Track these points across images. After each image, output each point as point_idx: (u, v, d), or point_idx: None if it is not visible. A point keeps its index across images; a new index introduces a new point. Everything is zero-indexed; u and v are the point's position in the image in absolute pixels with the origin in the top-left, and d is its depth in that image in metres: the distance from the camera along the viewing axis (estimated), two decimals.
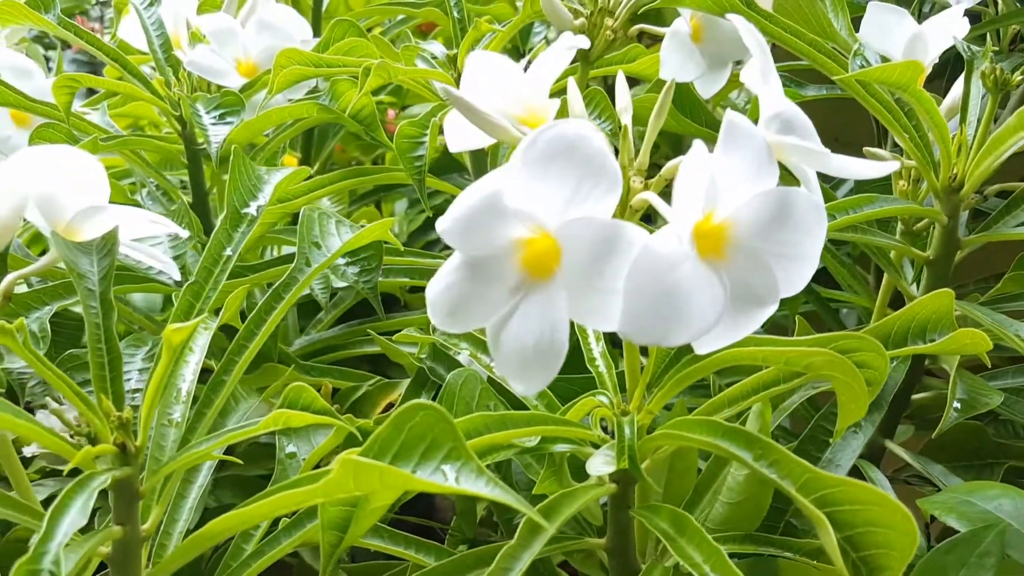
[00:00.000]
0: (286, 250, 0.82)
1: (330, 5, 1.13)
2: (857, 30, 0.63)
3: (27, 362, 0.40)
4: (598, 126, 0.63)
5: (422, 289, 0.98)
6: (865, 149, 0.56)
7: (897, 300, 0.68)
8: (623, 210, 0.40)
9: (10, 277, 0.44)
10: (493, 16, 1.02)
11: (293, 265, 0.49)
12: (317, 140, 1.03)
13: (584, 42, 0.46)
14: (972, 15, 0.67)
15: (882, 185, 0.64)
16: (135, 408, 0.43)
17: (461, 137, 0.49)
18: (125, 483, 0.40)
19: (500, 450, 0.45)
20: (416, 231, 1.12)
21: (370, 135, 0.68)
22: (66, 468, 0.38)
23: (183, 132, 0.74)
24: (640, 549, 0.51)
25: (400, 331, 0.65)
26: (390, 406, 0.72)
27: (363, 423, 0.50)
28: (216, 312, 0.50)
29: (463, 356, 0.64)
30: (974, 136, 0.55)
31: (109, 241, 0.45)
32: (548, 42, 1.13)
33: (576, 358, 0.56)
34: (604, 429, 0.48)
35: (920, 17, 0.72)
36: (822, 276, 0.68)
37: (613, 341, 0.48)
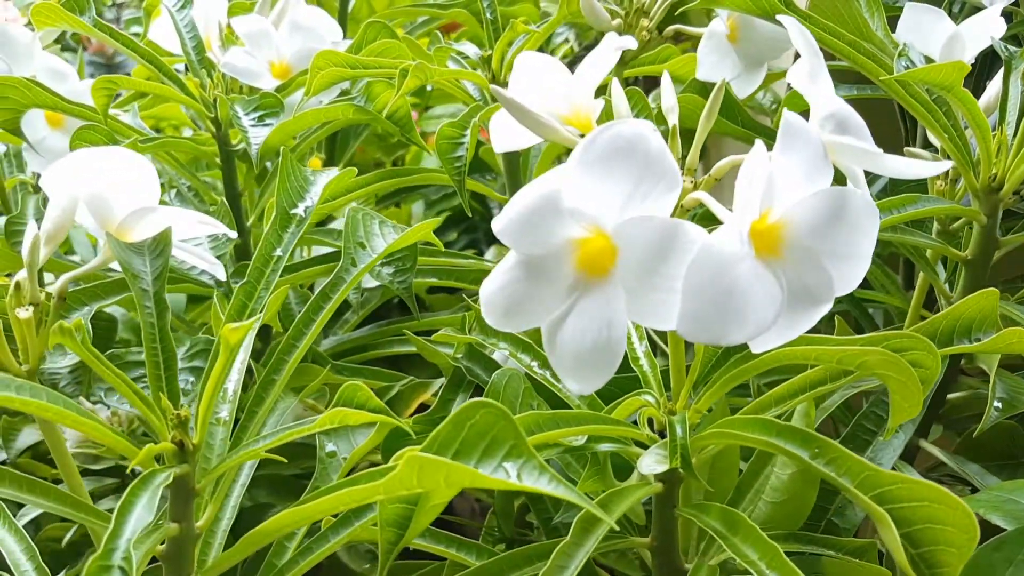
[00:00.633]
0: (316, 251, 0.82)
1: (354, 7, 1.14)
2: (892, 30, 0.63)
3: (86, 361, 0.41)
4: None
5: (443, 290, 0.98)
6: (906, 149, 0.56)
7: (928, 300, 0.68)
8: (675, 210, 0.41)
9: (65, 278, 0.45)
10: (516, 17, 1.03)
11: (339, 265, 0.49)
12: (340, 142, 1.04)
13: (631, 43, 0.46)
14: (1004, 15, 0.68)
15: (917, 185, 0.64)
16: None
17: (507, 137, 0.49)
18: (182, 481, 0.40)
19: (548, 449, 0.45)
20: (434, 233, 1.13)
21: (405, 136, 0.68)
22: (131, 465, 0.39)
23: (217, 133, 0.75)
24: (683, 548, 0.51)
25: (426, 331, 0.66)
26: (422, 406, 0.73)
27: (405, 422, 0.50)
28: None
29: (498, 354, 0.64)
30: (1014, 136, 0.55)
31: (161, 242, 0.46)
32: (568, 43, 1.13)
33: None
34: (650, 428, 0.48)
35: (950, 17, 0.73)
36: None
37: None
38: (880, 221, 0.53)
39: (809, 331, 0.38)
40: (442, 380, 0.71)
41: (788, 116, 0.36)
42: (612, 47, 0.47)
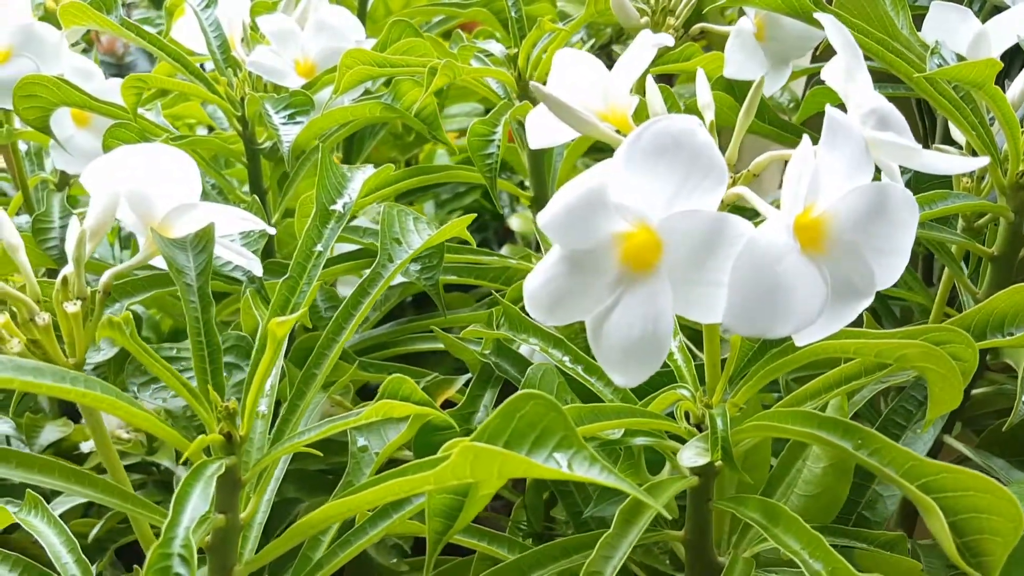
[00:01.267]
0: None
1: (371, 6, 1.14)
2: (917, 28, 0.63)
3: (134, 354, 0.41)
4: None
5: (458, 287, 0.98)
6: (934, 146, 0.57)
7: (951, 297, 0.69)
8: None
9: (109, 273, 0.45)
10: (534, 16, 1.03)
11: (376, 261, 0.50)
12: (357, 141, 1.04)
13: (668, 40, 0.47)
14: None
15: (942, 182, 0.64)
16: None
17: (544, 134, 0.50)
18: (230, 472, 0.41)
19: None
20: None
21: (431, 134, 0.68)
22: (184, 456, 0.39)
23: (244, 132, 0.75)
24: (715, 541, 0.51)
25: (445, 328, 0.66)
26: (446, 403, 0.73)
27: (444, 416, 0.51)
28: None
29: (524, 348, 0.65)
30: None
31: (204, 237, 0.46)
32: (583, 43, 1.14)
33: None
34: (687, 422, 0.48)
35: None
36: None
37: None
38: None
39: None
40: (466, 376, 0.72)
41: (832, 113, 0.37)
42: (648, 44, 0.47)
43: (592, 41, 1.19)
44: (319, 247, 0.47)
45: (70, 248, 0.46)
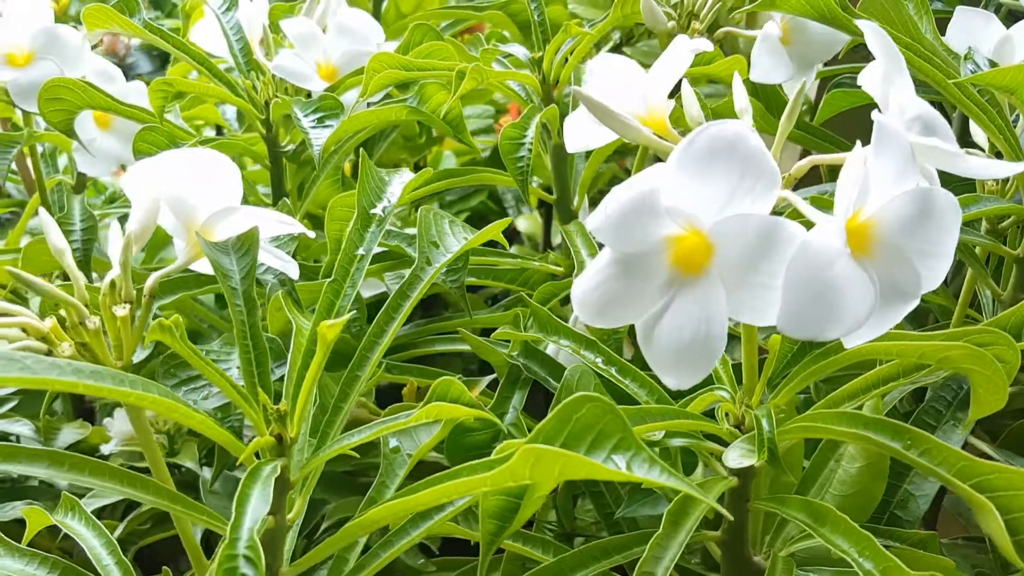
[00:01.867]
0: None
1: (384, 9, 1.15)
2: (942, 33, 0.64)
3: (185, 357, 0.42)
4: None
5: (468, 288, 0.99)
6: (965, 149, 0.57)
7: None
8: None
9: (155, 276, 0.46)
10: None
11: (416, 264, 0.50)
12: (370, 143, 1.05)
13: (707, 45, 0.47)
14: None
15: (965, 185, 0.65)
16: None
17: (581, 137, 0.51)
18: (280, 474, 0.41)
19: None
20: None
21: (458, 137, 0.69)
22: (239, 459, 0.40)
23: (268, 135, 0.76)
24: (752, 541, 0.52)
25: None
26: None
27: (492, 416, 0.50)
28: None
29: (551, 349, 0.65)
30: None
31: (247, 241, 0.46)
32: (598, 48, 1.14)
33: None
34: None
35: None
36: None
37: None
38: None
39: None
40: (489, 378, 0.73)
41: (881, 119, 0.38)
42: (687, 49, 0.48)
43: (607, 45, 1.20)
44: (361, 251, 0.48)
45: (114, 252, 0.47)
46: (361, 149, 0.52)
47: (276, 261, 0.52)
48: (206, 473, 0.77)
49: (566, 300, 0.74)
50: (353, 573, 0.47)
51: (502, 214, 1.27)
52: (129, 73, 1.53)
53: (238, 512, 0.35)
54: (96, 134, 0.80)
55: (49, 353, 0.41)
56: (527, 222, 1.28)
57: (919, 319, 0.80)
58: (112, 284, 0.44)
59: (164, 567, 0.56)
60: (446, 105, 0.64)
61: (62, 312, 0.43)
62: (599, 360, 0.56)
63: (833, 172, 0.63)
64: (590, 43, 0.68)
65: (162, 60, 1.80)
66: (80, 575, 0.52)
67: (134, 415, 0.45)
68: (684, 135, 0.45)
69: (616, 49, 1.24)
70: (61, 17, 0.86)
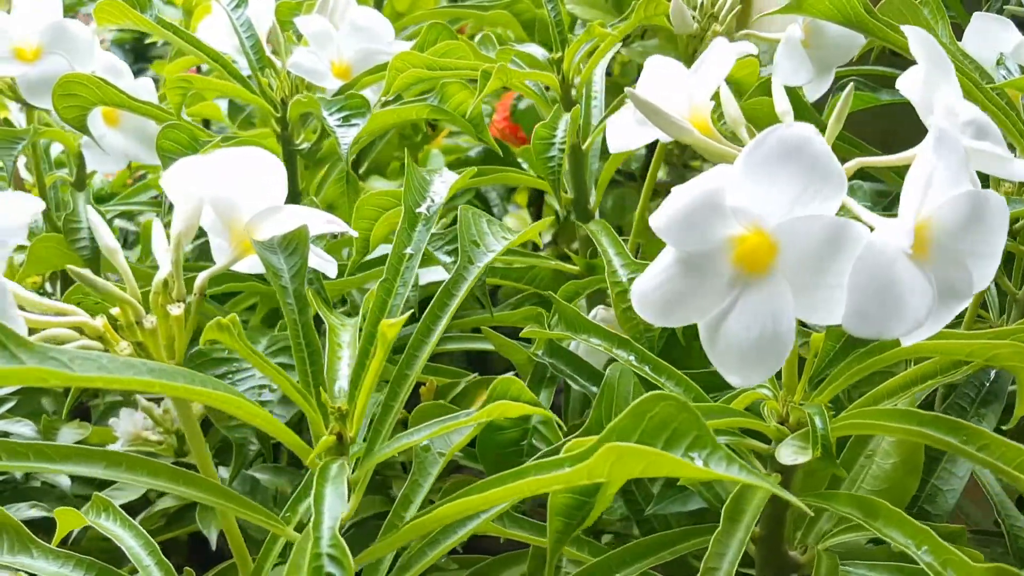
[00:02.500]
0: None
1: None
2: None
3: (243, 356, 0.42)
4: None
5: None
6: None
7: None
8: None
9: (204, 275, 0.45)
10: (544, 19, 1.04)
11: (459, 264, 0.50)
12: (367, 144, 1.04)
13: (751, 47, 0.48)
14: None
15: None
16: None
17: (623, 137, 0.51)
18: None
19: None
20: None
21: (478, 136, 0.69)
22: (309, 458, 0.40)
23: (282, 133, 0.75)
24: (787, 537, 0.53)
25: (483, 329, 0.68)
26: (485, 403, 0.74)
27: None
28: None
29: (574, 345, 0.66)
30: None
31: (296, 239, 0.46)
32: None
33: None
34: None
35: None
36: None
37: None
38: None
39: None
40: (505, 376, 0.73)
41: (940, 123, 0.38)
42: (732, 52, 0.49)
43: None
44: (409, 250, 0.48)
45: (161, 251, 0.46)
46: (406, 151, 0.52)
47: (315, 260, 0.52)
48: (222, 472, 0.76)
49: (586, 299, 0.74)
50: (399, 572, 0.48)
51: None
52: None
53: (317, 511, 0.35)
54: (105, 131, 0.79)
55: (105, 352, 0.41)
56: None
57: None
58: (164, 283, 0.43)
59: (186, 568, 0.56)
60: (473, 104, 0.64)
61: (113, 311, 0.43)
62: (632, 358, 0.57)
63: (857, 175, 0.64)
64: (612, 44, 0.69)
65: (135, 55, 1.77)
66: (115, 575, 0.51)
67: (184, 412, 0.44)
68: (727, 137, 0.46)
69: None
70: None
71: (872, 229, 0.38)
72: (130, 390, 0.42)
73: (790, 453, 0.43)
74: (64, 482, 0.86)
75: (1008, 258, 0.68)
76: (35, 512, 0.70)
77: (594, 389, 0.62)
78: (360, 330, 0.49)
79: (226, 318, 0.41)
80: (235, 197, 0.48)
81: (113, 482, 0.84)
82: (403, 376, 0.47)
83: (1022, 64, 0.58)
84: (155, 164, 0.88)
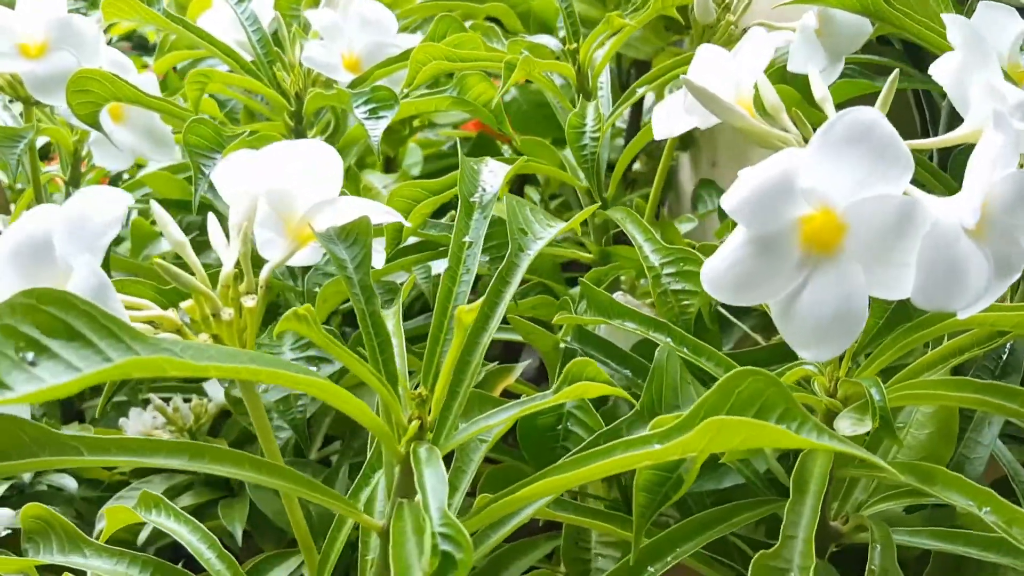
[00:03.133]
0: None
1: None
2: None
3: (321, 345, 0.42)
4: None
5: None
6: None
7: None
8: None
9: (268, 267, 0.45)
10: (541, 12, 1.05)
11: (510, 252, 0.51)
12: None
13: (791, 36, 0.49)
14: None
15: None
16: None
17: (668, 124, 0.52)
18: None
19: None
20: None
21: (499, 127, 0.70)
22: (399, 447, 0.40)
23: (296, 127, 0.75)
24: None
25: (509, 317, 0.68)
26: (505, 391, 0.75)
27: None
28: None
29: (602, 329, 0.67)
30: None
31: (356, 230, 0.47)
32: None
33: None
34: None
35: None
36: None
37: None
38: None
39: None
40: (523, 364, 0.74)
41: (998, 107, 0.40)
42: (772, 43, 0.50)
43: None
44: (467, 238, 0.48)
45: (221, 245, 0.46)
46: (456, 140, 0.53)
47: None
48: None
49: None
50: None
51: None
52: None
53: (423, 492, 0.36)
54: (112, 127, 0.78)
55: None
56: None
57: None
58: (233, 276, 0.44)
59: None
60: (497, 96, 0.65)
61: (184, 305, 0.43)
62: (669, 340, 0.58)
63: None
64: (628, 34, 0.70)
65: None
66: (175, 571, 0.51)
67: (251, 399, 0.44)
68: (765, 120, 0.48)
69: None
70: None
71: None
72: (238, 379, 0.42)
73: (849, 425, 0.45)
74: (71, 484, 0.85)
75: None
76: None
77: (627, 372, 0.63)
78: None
79: (302, 308, 0.41)
80: (293, 189, 0.48)
81: (126, 483, 0.83)
82: (465, 362, 0.47)
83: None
84: (161, 160, 0.87)
